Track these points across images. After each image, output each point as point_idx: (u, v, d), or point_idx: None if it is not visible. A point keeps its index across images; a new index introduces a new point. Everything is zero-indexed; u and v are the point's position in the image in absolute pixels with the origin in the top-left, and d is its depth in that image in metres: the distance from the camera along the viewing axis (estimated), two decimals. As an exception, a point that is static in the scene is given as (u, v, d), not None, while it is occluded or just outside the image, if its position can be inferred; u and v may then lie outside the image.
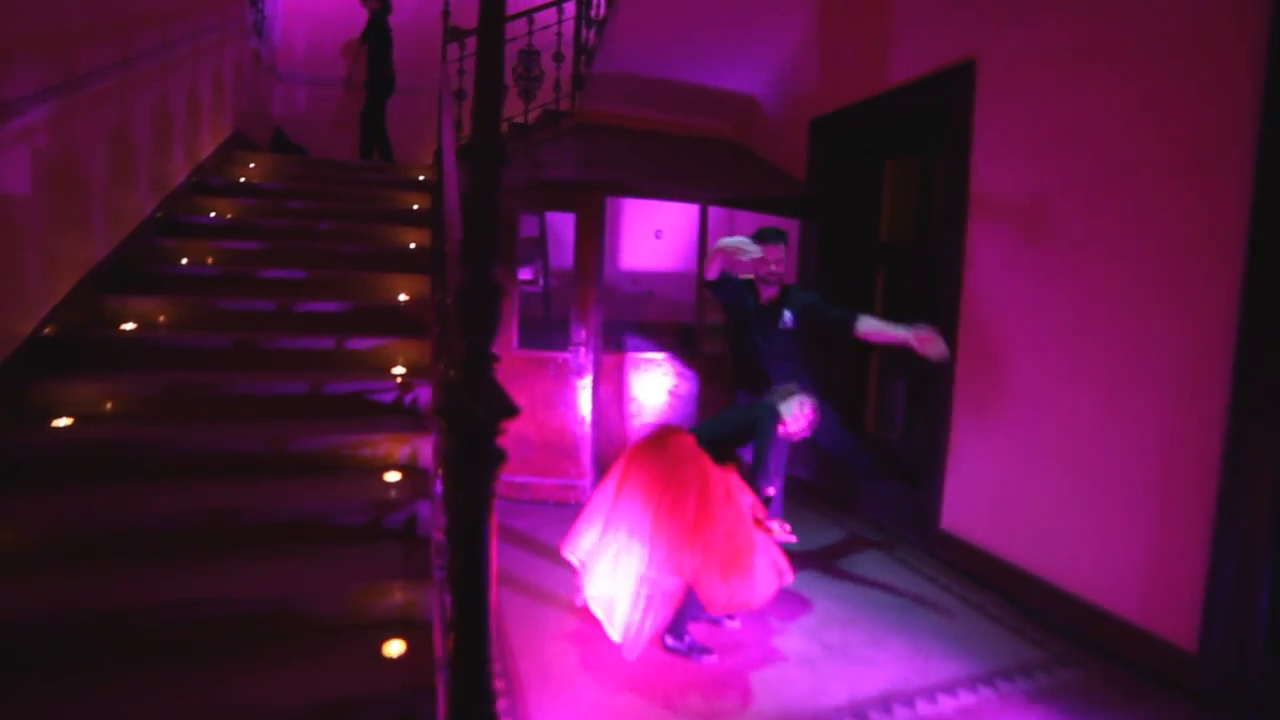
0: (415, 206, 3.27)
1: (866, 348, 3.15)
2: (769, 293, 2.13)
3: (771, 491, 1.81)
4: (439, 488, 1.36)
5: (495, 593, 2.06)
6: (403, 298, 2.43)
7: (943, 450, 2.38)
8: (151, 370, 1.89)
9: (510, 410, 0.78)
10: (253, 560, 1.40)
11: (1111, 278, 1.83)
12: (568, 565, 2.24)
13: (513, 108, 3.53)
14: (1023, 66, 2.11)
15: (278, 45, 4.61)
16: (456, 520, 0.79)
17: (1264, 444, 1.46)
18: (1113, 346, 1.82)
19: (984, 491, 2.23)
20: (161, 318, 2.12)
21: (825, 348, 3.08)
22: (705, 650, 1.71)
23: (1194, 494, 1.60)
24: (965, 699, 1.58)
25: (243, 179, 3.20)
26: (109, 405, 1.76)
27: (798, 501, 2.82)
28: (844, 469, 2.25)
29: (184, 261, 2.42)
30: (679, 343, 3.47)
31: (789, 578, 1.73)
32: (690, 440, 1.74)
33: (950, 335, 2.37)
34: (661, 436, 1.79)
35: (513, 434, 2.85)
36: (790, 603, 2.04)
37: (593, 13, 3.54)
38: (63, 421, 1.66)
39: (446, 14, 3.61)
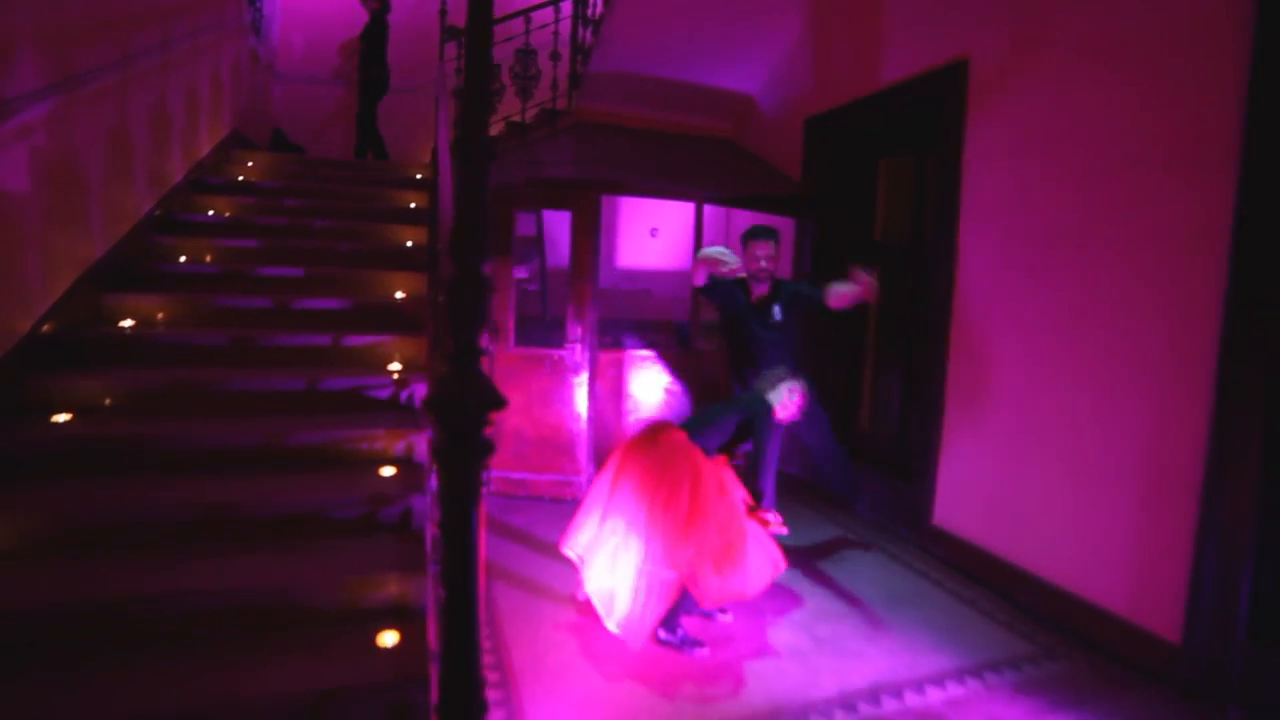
0: (412, 205, 3.28)
1: (860, 345, 3.17)
2: (760, 289, 2.16)
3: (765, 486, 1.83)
4: (434, 482, 1.38)
5: (484, 581, 2.09)
6: (399, 295, 2.45)
7: (935, 447, 2.40)
8: (150, 367, 1.91)
9: (498, 402, 0.80)
10: (250, 553, 1.42)
11: (1100, 276, 1.85)
12: (562, 560, 2.26)
13: (510, 106, 3.56)
14: (1014, 66, 2.13)
15: (276, 44, 4.62)
16: (446, 509, 0.81)
17: (1246, 442, 1.48)
18: (1101, 344, 1.84)
19: (975, 488, 2.26)
20: (160, 315, 2.14)
21: (824, 347, 3.10)
22: (698, 643, 1.73)
23: (1179, 490, 1.62)
24: (953, 691, 1.61)
25: (241, 177, 3.22)
26: (107, 401, 1.78)
27: (792, 498, 2.84)
28: (834, 478, 2.26)
29: (182, 259, 2.43)
30: (675, 340, 3.49)
31: (782, 567, 1.75)
32: (682, 435, 1.76)
33: (942, 333, 2.39)
34: (654, 432, 1.81)
35: (509, 430, 2.91)
36: (783, 597, 2.06)
37: (589, 12, 3.56)
38: (62, 417, 1.68)
39: (443, 13, 3.63)
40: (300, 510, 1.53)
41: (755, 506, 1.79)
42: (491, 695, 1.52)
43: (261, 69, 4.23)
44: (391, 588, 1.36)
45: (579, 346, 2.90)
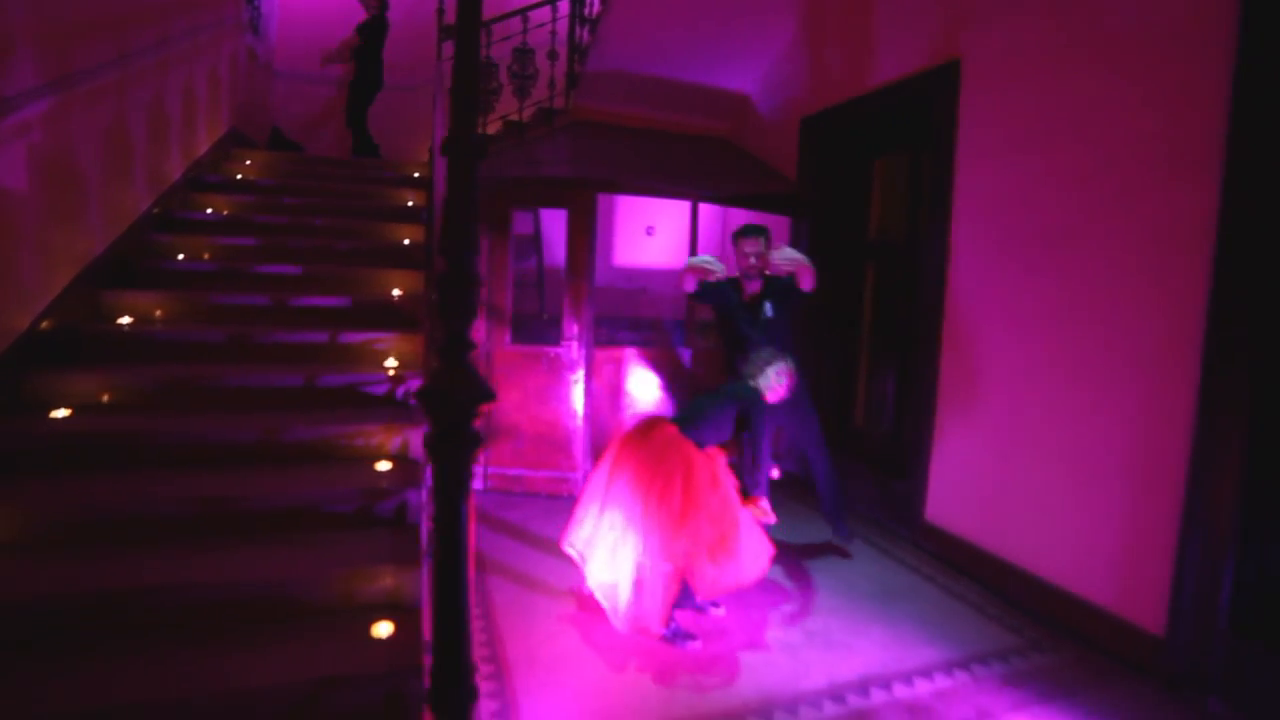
0: (410, 203, 3.30)
1: (855, 343, 3.19)
2: (752, 287, 2.18)
3: (776, 474, 1.86)
4: (429, 477, 1.40)
5: (480, 574, 2.11)
6: (396, 293, 2.47)
7: (927, 444, 2.42)
8: (148, 363, 1.93)
9: (486, 395, 0.82)
10: (247, 546, 1.44)
11: (1089, 274, 1.87)
12: (557, 555, 2.28)
13: (507, 105, 3.57)
14: (1006, 66, 2.15)
15: (274, 42, 4.63)
16: (438, 498, 0.83)
17: (1229, 437, 1.50)
18: (1089, 341, 1.86)
19: (966, 484, 2.28)
20: (158, 312, 2.15)
21: (820, 345, 3.12)
22: (690, 636, 1.75)
23: (1164, 485, 1.64)
24: (941, 682, 1.63)
25: (239, 176, 3.23)
26: (106, 397, 1.79)
27: (786, 494, 2.87)
28: (824, 495, 2.27)
29: (180, 257, 2.45)
30: (671, 338, 3.51)
31: (771, 552, 1.78)
32: (674, 430, 1.78)
33: (934, 330, 2.42)
34: (648, 427, 1.83)
35: (506, 427, 2.93)
36: (775, 592, 2.08)
37: (586, 11, 3.57)
38: (60, 413, 1.70)
39: (441, 12, 3.64)
40: (297, 504, 1.54)
41: (746, 495, 1.82)
42: (486, 687, 1.54)
43: (260, 67, 4.23)
44: (387, 580, 1.38)
45: (575, 344, 2.92)
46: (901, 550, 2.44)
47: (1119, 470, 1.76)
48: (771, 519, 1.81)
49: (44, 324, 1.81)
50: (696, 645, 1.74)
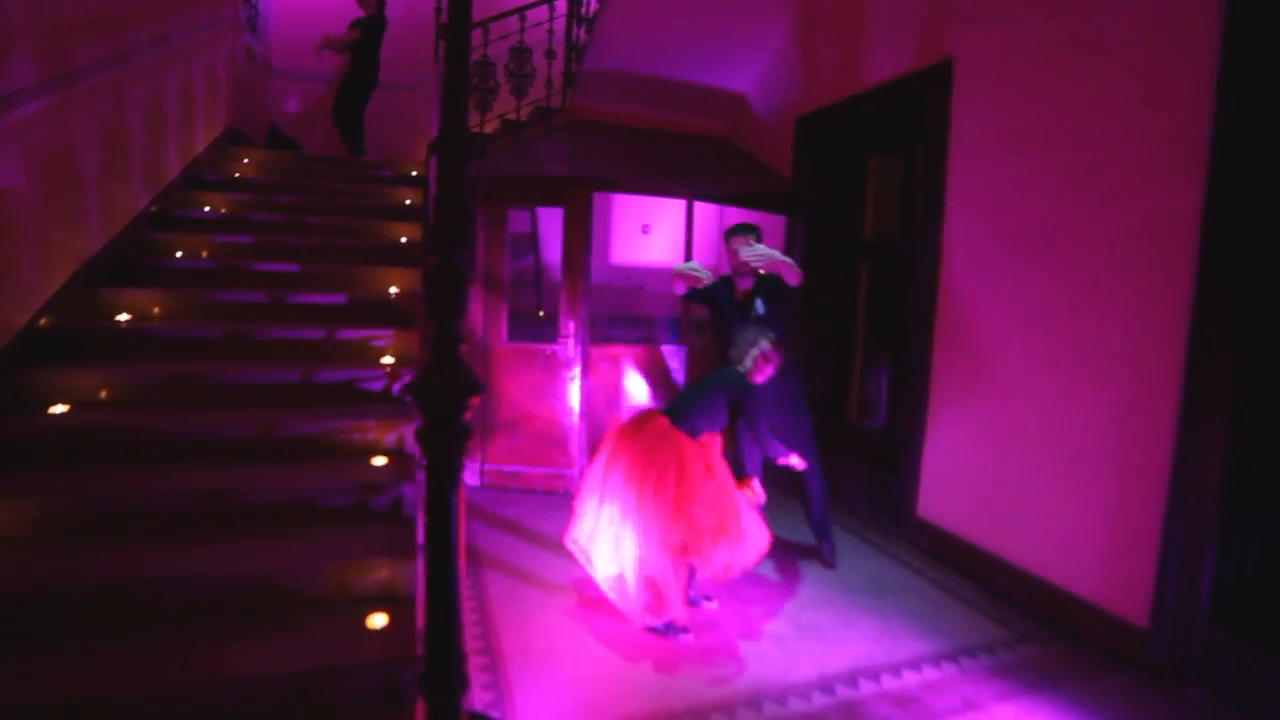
0: (407, 201, 3.31)
1: (850, 341, 3.21)
2: (744, 285, 2.20)
3: (795, 462, 1.86)
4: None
5: (474, 566, 2.14)
6: (393, 291, 2.48)
7: (919, 440, 2.44)
8: (146, 360, 1.95)
9: (476, 389, 0.84)
10: (244, 539, 1.46)
11: (1078, 272, 1.89)
12: (553, 549, 2.31)
13: (505, 104, 3.58)
14: (998, 66, 2.16)
15: (272, 41, 4.64)
16: (429, 488, 0.85)
17: (1210, 436, 1.53)
18: (1077, 339, 1.89)
19: (958, 480, 2.30)
20: (156, 309, 2.17)
21: (815, 343, 3.14)
22: (682, 629, 1.77)
23: (1148, 480, 1.67)
24: (929, 674, 1.65)
25: (237, 174, 3.24)
26: (104, 393, 1.81)
27: (779, 491, 2.89)
28: (811, 507, 2.28)
29: (178, 255, 2.46)
30: (667, 335, 3.53)
31: (769, 535, 1.80)
32: (665, 422, 1.81)
33: (927, 328, 2.44)
34: (640, 421, 1.85)
35: (503, 424, 2.95)
36: (767, 586, 2.11)
37: (583, 10, 3.58)
38: (59, 408, 1.72)
39: (439, 11, 3.65)
40: (294, 499, 1.57)
41: (741, 478, 1.85)
42: (481, 679, 1.56)
43: (258, 66, 4.24)
44: (382, 573, 1.40)
45: (571, 341, 2.94)
46: (893, 545, 2.46)
47: (1105, 466, 1.78)
48: (762, 498, 1.84)
49: (42, 321, 1.83)
50: (689, 638, 1.76)
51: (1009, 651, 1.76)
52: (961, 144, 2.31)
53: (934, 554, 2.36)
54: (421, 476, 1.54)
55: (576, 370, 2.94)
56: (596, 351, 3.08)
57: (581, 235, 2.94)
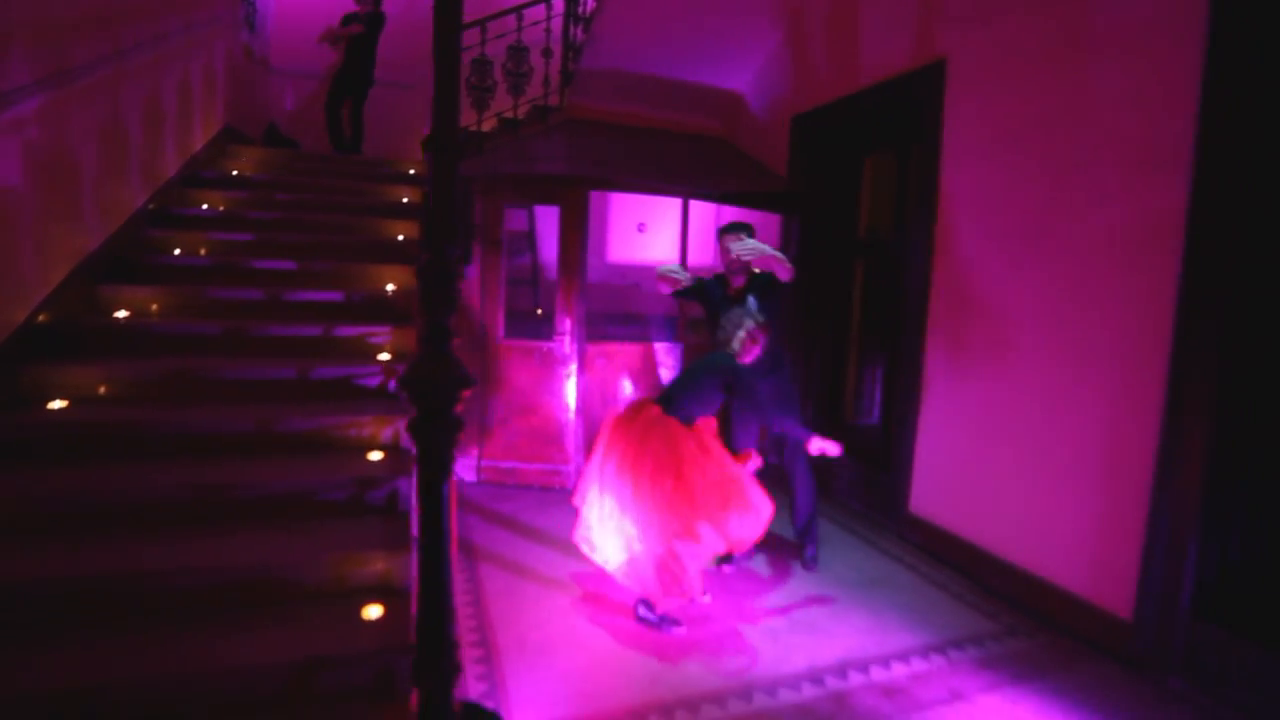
0: (405, 199, 3.33)
1: (845, 339, 3.24)
2: (737, 282, 2.22)
3: (829, 449, 1.83)
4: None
5: (466, 558, 2.16)
6: (390, 288, 2.50)
7: (911, 437, 2.47)
8: (145, 356, 1.96)
9: (466, 382, 0.86)
10: (242, 532, 1.48)
11: (1067, 271, 1.91)
12: (548, 544, 2.34)
13: (502, 103, 3.59)
14: (990, 66, 2.18)
15: (270, 39, 4.64)
16: (422, 479, 0.87)
17: (1193, 433, 1.55)
18: (1066, 336, 1.91)
19: (949, 476, 2.33)
20: (154, 306, 2.19)
21: (810, 342, 3.16)
22: (675, 622, 1.80)
23: (1133, 476, 1.69)
24: (918, 666, 1.68)
25: (234, 172, 3.25)
26: (102, 389, 1.83)
27: (770, 486, 2.90)
28: (798, 507, 2.28)
29: (176, 252, 2.48)
30: (662, 333, 3.55)
31: (771, 505, 1.82)
32: (657, 410, 1.83)
33: (920, 326, 2.46)
34: (633, 411, 1.87)
35: (499, 421, 2.97)
36: (759, 580, 2.13)
37: (581, 9, 3.59)
38: (58, 404, 1.73)
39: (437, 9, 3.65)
40: (292, 493, 1.59)
41: (735, 452, 1.89)
42: (476, 670, 1.58)
43: (256, 64, 4.25)
44: (377, 565, 1.42)
45: (567, 338, 2.96)
46: (885, 541, 2.49)
47: (1093, 463, 1.81)
48: (759, 462, 1.89)
49: (41, 317, 1.84)
50: (681, 630, 1.79)
51: (997, 644, 1.79)
52: (954, 143, 2.33)
53: (925, 549, 2.38)
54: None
55: (573, 367, 2.96)
56: (593, 349, 3.10)
57: (578, 233, 2.96)
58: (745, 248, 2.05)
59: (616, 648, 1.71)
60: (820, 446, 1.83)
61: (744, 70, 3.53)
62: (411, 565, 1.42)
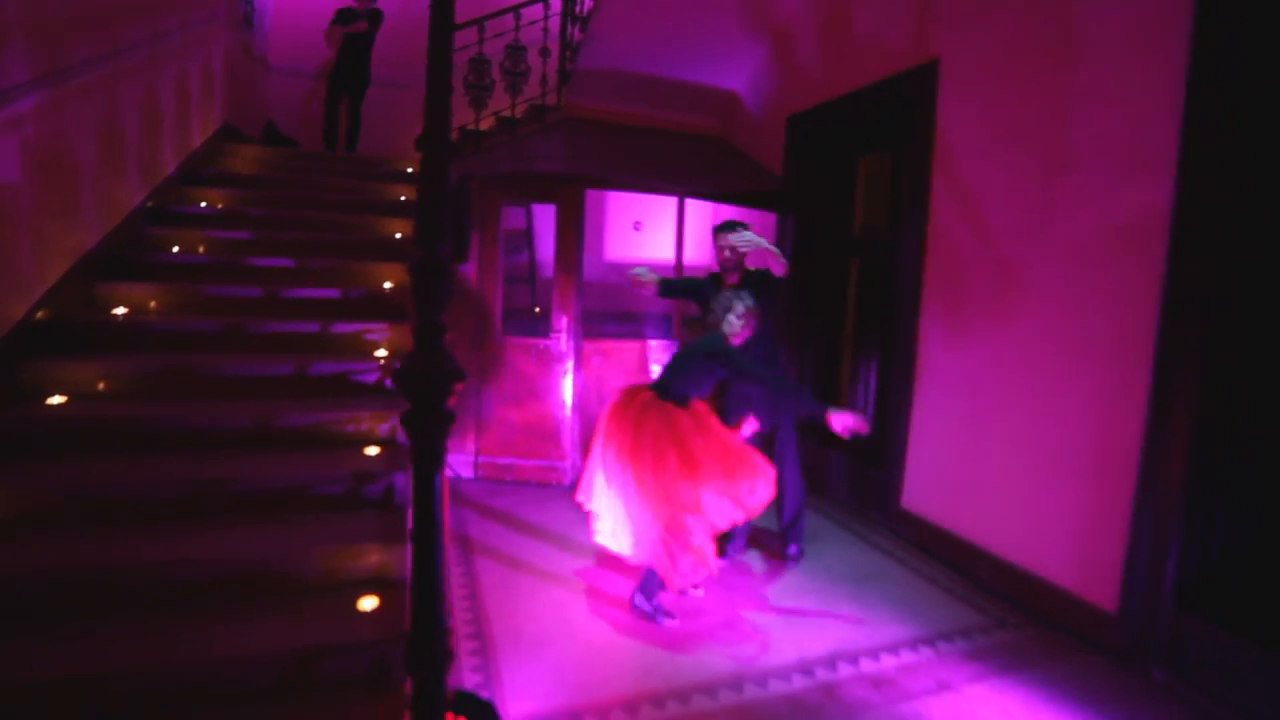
0: (402, 198, 3.34)
1: (839, 337, 3.26)
2: (731, 280, 2.24)
3: (854, 423, 1.75)
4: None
5: (459, 550, 2.18)
6: (388, 285, 2.52)
7: (904, 434, 2.49)
8: (143, 353, 1.98)
9: (458, 375, 0.88)
10: (240, 526, 1.50)
11: (1055, 269, 1.94)
12: (543, 539, 2.36)
13: (500, 102, 3.60)
14: (982, 67, 2.21)
15: (269, 38, 4.64)
16: (415, 470, 0.89)
17: (1177, 429, 1.58)
18: (1055, 335, 1.93)
19: (940, 472, 2.35)
20: (152, 303, 2.20)
21: (805, 341, 3.19)
22: (669, 614, 1.82)
23: (1119, 472, 1.72)
24: (906, 657, 1.71)
25: (233, 170, 3.27)
26: (101, 385, 1.84)
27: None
28: (786, 503, 2.29)
29: (175, 250, 2.49)
30: (658, 331, 3.57)
31: (773, 471, 1.86)
32: (650, 395, 1.86)
33: (912, 325, 2.48)
34: (628, 398, 1.90)
35: (496, 417, 2.99)
36: (752, 574, 2.16)
37: (578, 9, 3.60)
38: (57, 399, 1.75)
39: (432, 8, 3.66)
40: (289, 487, 1.60)
41: (731, 424, 1.92)
42: (470, 662, 1.61)
43: (254, 62, 4.25)
44: (373, 557, 1.44)
45: (564, 336, 2.98)
46: (878, 536, 2.52)
47: (1079, 457, 1.84)
48: (755, 425, 1.94)
49: (39, 314, 1.85)
50: (675, 623, 1.81)
51: (985, 636, 1.82)
52: (947, 143, 2.36)
53: (917, 544, 2.41)
54: (413, 465, 1.59)
55: (569, 364, 2.98)
56: (589, 346, 3.12)
57: (574, 231, 2.98)
58: (743, 239, 2.09)
59: (610, 640, 1.73)
60: (843, 422, 1.69)
61: (740, 70, 3.55)
62: (407, 558, 1.44)
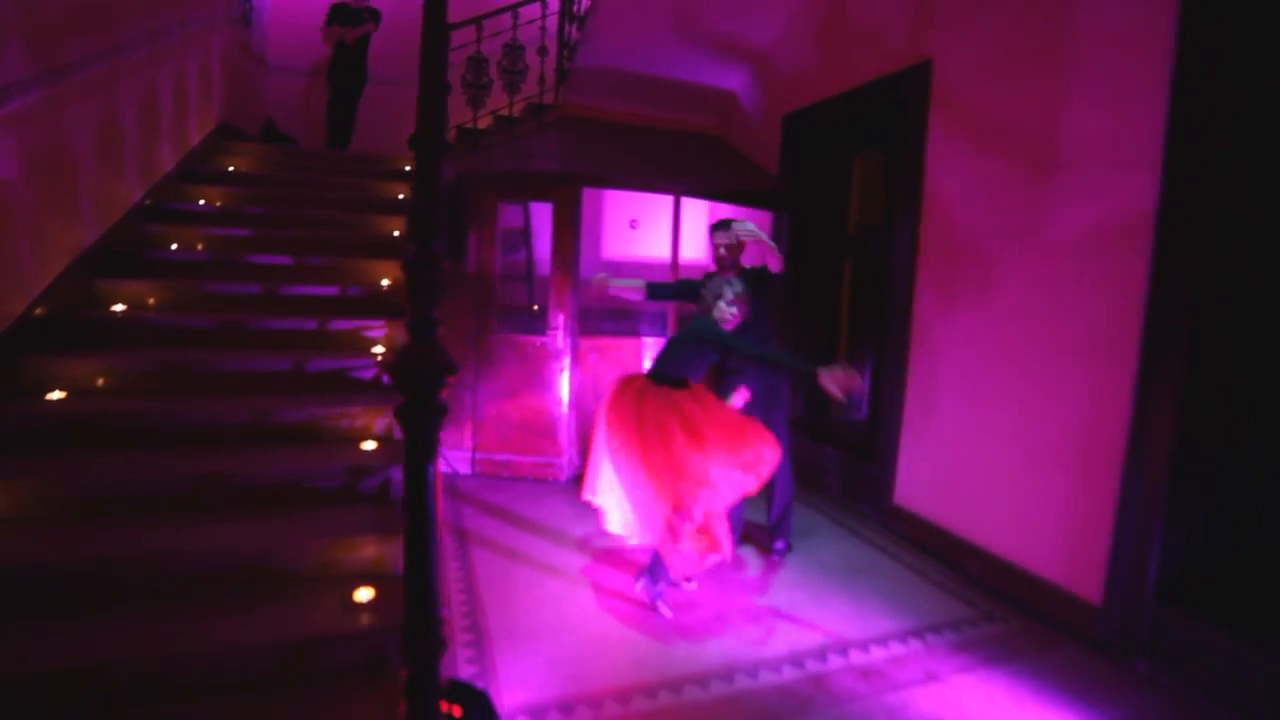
0: (400, 196, 3.35)
1: (834, 335, 3.29)
2: (726, 277, 2.26)
3: (828, 379, 1.69)
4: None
5: (456, 544, 2.21)
6: (385, 283, 2.54)
7: (896, 430, 2.52)
8: (142, 349, 1.99)
9: (449, 369, 0.90)
10: (237, 518, 1.52)
11: (1042, 268, 1.96)
12: (539, 533, 2.39)
13: (498, 101, 3.62)
14: (973, 67, 2.23)
15: (268, 35, 4.65)
16: (408, 461, 0.92)
17: (1160, 425, 1.60)
18: (1043, 332, 1.96)
19: (932, 468, 2.38)
20: (151, 300, 2.22)
21: (800, 339, 3.21)
22: (669, 605, 1.85)
23: (1105, 468, 1.75)
24: (895, 649, 1.73)
25: (231, 168, 3.28)
26: (100, 380, 1.86)
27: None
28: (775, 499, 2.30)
29: (173, 247, 2.51)
30: (654, 328, 3.59)
31: (774, 439, 1.87)
32: (645, 381, 1.88)
33: (905, 322, 2.51)
34: (623, 388, 1.92)
35: (493, 414, 3.01)
36: (745, 569, 2.19)
37: (575, 8, 3.62)
38: (56, 394, 1.77)
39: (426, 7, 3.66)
40: (287, 481, 1.63)
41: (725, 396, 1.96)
42: (465, 654, 1.63)
43: (253, 60, 4.26)
44: (369, 550, 1.47)
45: (561, 333, 3.00)
46: (870, 531, 2.55)
47: (1066, 453, 1.86)
48: (746, 395, 1.99)
49: (38, 310, 1.87)
50: (669, 616, 1.84)
51: (973, 629, 1.85)
52: (939, 142, 2.38)
53: (909, 539, 2.44)
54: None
55: (566, 361, 3.00)
56: (585, 343, 3.14)
57: (570, 230, 3.00)
58: (745, 228, 2.11)
59: (605, 632, 1.76)
60: (835, 380, 1.60)
61: (737, 69, 3.56)
62: (402, 551, 1.46)
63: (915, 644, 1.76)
